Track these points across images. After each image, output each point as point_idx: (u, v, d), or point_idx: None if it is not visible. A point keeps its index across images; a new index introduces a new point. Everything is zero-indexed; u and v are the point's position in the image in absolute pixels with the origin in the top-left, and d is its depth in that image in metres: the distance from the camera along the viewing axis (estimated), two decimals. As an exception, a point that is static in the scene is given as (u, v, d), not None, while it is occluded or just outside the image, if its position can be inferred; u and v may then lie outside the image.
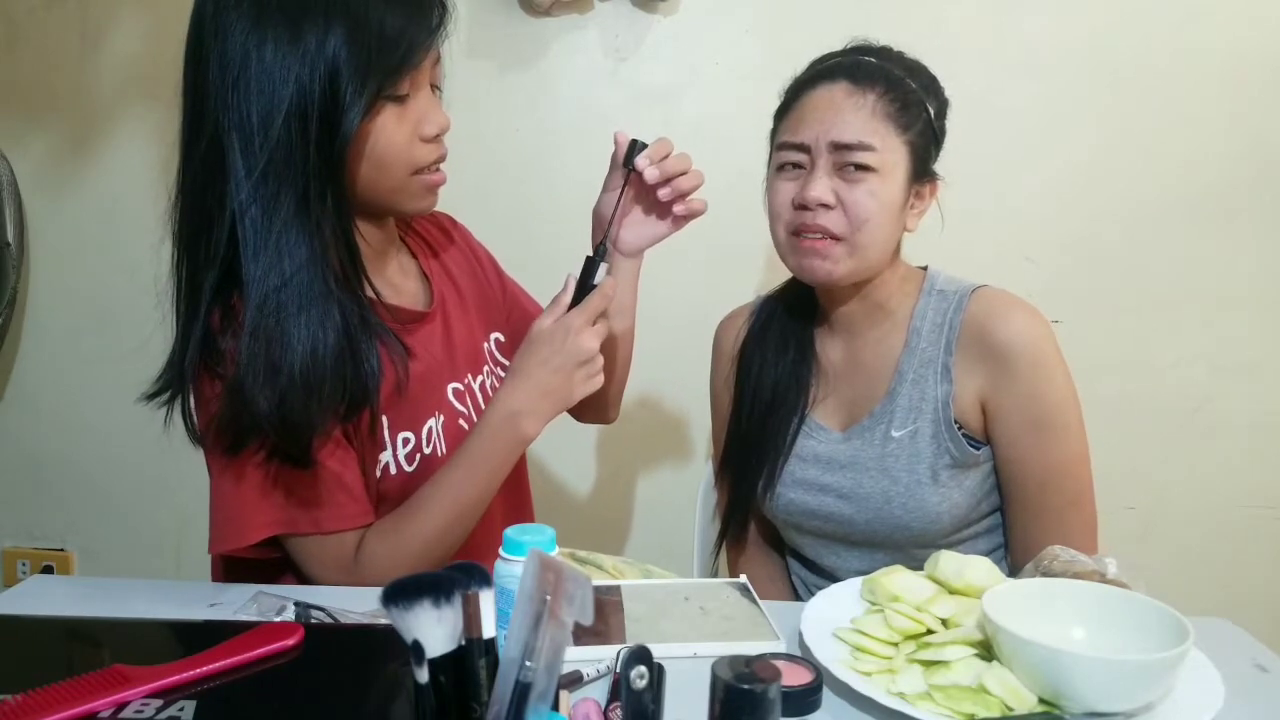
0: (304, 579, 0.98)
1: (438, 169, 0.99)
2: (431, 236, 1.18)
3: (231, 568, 1.02)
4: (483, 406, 1.10)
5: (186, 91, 0.91)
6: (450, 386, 1.08)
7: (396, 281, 1.08)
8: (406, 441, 1.01)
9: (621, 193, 1.05)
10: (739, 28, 1.66)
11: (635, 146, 1.03)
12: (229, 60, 0.87)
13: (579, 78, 1.69)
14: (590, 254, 1.00)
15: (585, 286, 0.99)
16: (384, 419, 0.99)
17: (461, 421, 1.07)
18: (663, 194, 1.04)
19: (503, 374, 1.16)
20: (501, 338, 1.20)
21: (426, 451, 1.03)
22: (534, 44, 1.68)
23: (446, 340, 1.09)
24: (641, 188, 1.06)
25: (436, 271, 1.14)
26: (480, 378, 1.13)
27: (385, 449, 1.00)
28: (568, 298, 0.99)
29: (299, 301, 0.89)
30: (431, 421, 1.04)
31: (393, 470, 1.00)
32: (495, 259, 1.27)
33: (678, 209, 1.06)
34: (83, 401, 1.87)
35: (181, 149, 0.93)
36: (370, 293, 0.98)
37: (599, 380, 1.00)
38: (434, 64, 0.96)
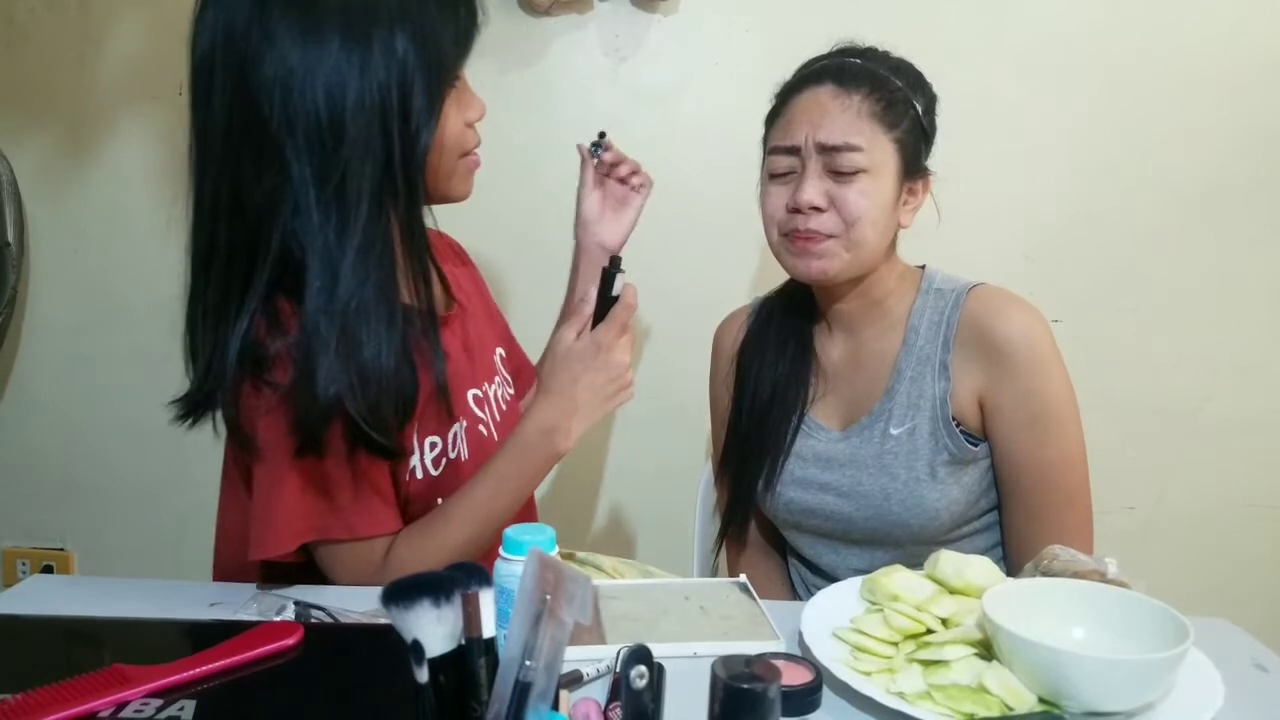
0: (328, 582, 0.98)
1: (476, 151, 1.02)
2: (444, 249, 1.20)
3: (271, 573, 1.00)
4: (496, 415, 1.11)
5: (226, 101, 0.88)
6: (471, 393, 1.08)
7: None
8: (434, 446, 1.01)
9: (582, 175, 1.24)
10: (739, 28, 1.66)
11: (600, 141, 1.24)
12: (285, 64, 0.86)
13: (579, 78, 1.69)
14: (606, 265, 1.01)
15: (605, 299, 0.99)
16: (415, 423, 0.99)
17: (481, 428, 1.08)
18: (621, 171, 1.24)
19: (510, 390, 1.18)
20: (503, 353, 1.21)
21: (451, 456, 1.03)
22: (534, 44, 1.68)
23: (465, 346, 1.10)
24: (605, 182, 1.26)
25: (453, 277, 1.14)
26: (493, 388, 1.13)
27: (414, 452, 0.99)
28: (589, 309, 1.00)
29: (374, 300, 0.89)
30: (456, 427, 1.04)
31: (419, 474, 1.00)
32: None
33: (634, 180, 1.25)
34: (83, 401, 1.87)
35: (214, 160, 0.90)
36: (418, 291, 0.97)
37: (630, 393, 1.01)
38: None
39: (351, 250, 0.88)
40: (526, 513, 1.19)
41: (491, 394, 1.12)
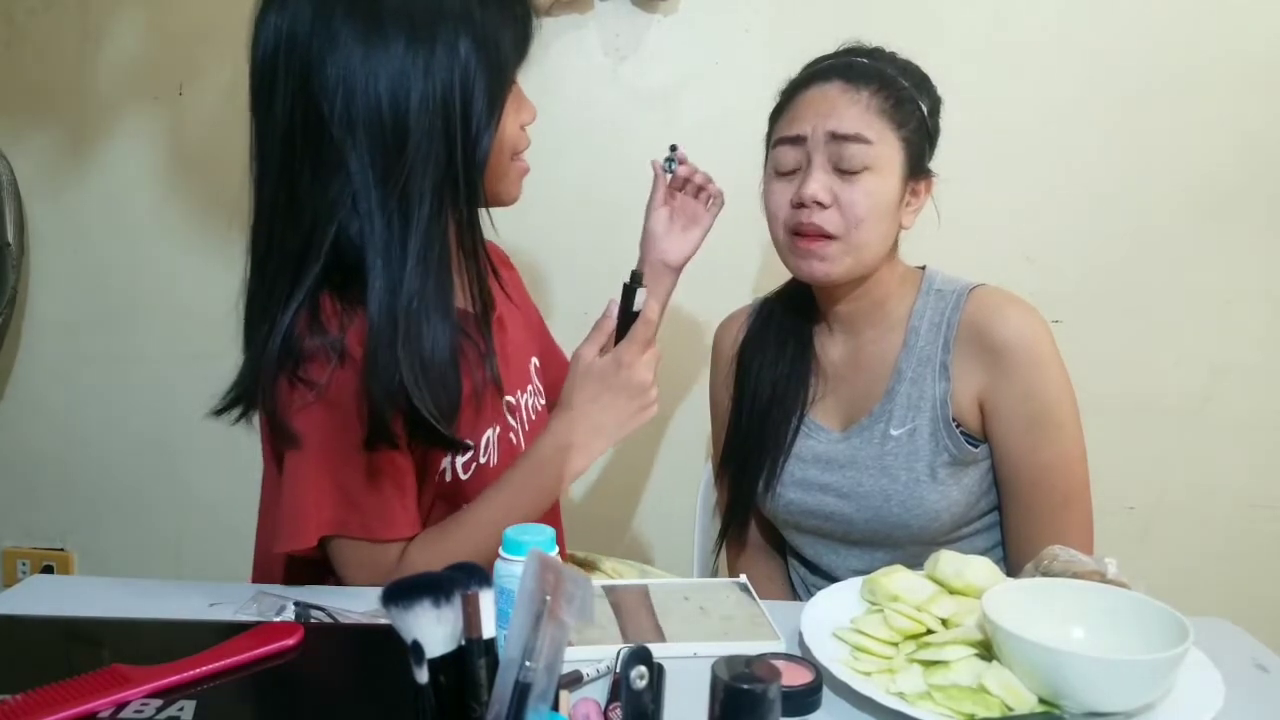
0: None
1: (524, 158, 1.03)
2: (492, 254, 1.20)
3: (300, 570, 1.01)
4: (526, 424, 1.11)
5: (287, 104, 0.89)
6: (505, 399, 1.07)
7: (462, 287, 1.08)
8: (465, 449, 1.01)
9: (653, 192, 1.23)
10: (739, 28, 1.66)
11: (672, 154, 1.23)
12: (348, 66, 0.87)
13: (579, 78, 1.69)
14: (626, 281, 1.00)
15: (626, 314, 0.98)
16: None
17: (511, 435, 1.07)
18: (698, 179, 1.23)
19: (541, 400, 1.17)
20: (538, 363, 1.21)
21: (482, 461, 1.02)
22: (534, 44, 1.68)
23: (504, 350, 1.09)
24: (673, 197, 1.25)
25: (494, 283, 1.14)
26: (525, 396, 1.13)
27: (446, 455, 0.99)
28: (611, 325, 0.99)
29: (434, 299, 0.90)
30: (490, 432, 1.03)
31: (448, 476, 1.00)
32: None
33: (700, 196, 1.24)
34: (82, 401, 1.87)
35: (274, 162, 0.91)
36: (471, 293, 0.98)
37: (653, 411, 1.00)
38: None
39: (413, 251, 0.89)
40: (550, 515, 1.18)
41: (524, 402, 1.12)
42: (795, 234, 1.09)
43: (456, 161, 0.91)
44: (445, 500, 1.01)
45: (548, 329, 1.33)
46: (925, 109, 1.10)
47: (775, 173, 1.12)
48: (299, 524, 0.92)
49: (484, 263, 0.99)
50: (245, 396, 0.93)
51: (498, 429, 1.05)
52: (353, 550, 0.95)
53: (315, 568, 0.98)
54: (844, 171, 1.05)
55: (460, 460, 1.00)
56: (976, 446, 1.10)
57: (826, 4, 1.61)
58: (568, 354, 1.32)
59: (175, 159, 1.77)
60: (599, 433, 0.98)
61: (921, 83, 1.12)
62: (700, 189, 1.25)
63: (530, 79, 1.70)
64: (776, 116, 1.14)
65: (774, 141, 1.13)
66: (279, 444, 0.93)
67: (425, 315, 0.90)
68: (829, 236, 1.06)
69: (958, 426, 1.09)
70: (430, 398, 0.90)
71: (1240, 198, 1.63)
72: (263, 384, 0.90)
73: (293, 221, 0.91)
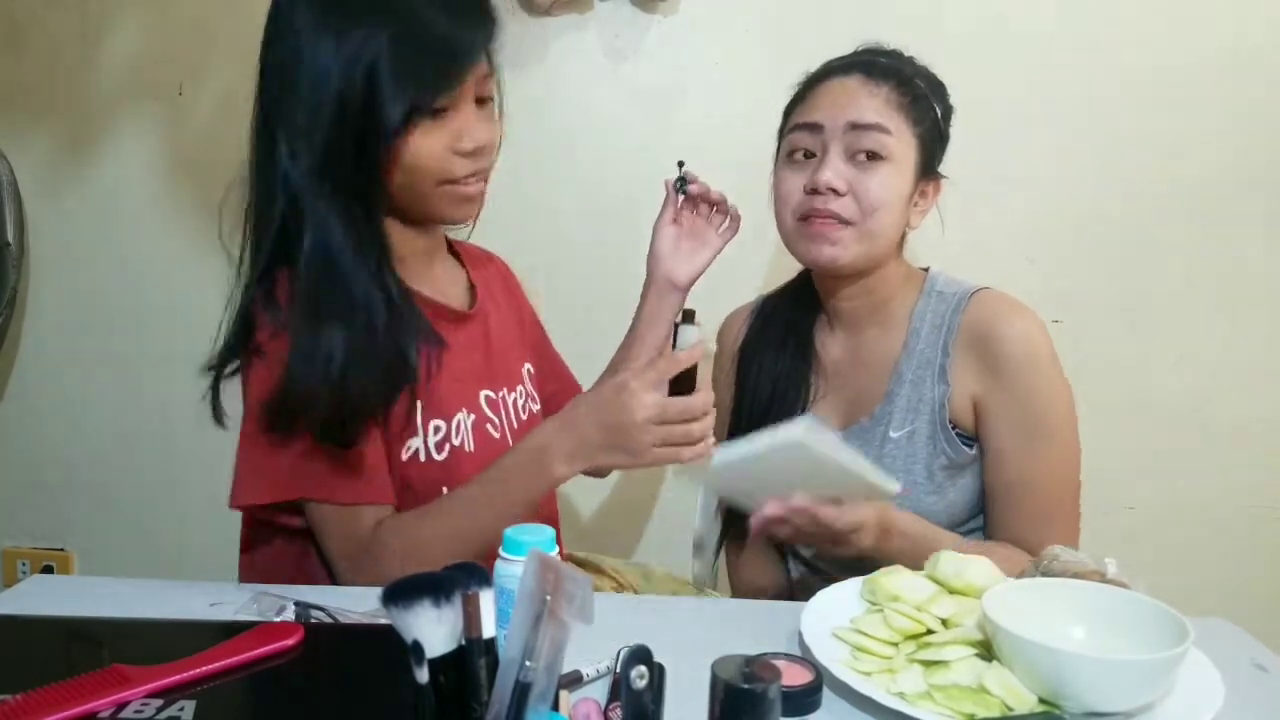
0: (325, 559, 1.00)
1: (471, 181, 1.00)
2: (477, 255, 1.23)
3: (278, 563, 1.03)
4: (513, 422, 1.12)
5: (259, 85, 0.97)
6: (483, 392, 1.09)
7: (442, 284, 1.11)
8: (438, 429, 1.02)
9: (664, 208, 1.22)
10: (738, 28, 1.66)
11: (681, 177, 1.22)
12: (289, 56, 0.93)
13: (579, 78, 1.69)
14: (677, 320, 0.99)
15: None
16: (419, 404, 1.01)
17: (489, 427, 1.08)
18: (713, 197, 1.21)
19: (535, 405, 1.19)
20: (531, 369, 1.22)
21: (455, 443, 1.04)
22: (534, 44, 1.68)
23: (485, 346, 1.11)
24: (685, 217, 1.23)
25: (483, 284, 1.17)
26: (514, 396, 1.14)
27: (417, 434, 1.01)
28: (664, 364, 0.94)
29: (344, 283, 0.94)
30: (460, 416, 1.05)
31: (422, 457, 1.01)
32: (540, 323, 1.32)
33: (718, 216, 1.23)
34: (83, 401, 1.87)
35: (250, 141, 0.99)
36: (386, 285, 1.00)
37: (643, 460, 0.94)
38: (483, 77, 0.98)
39: (334, 238, 0.93)
40: (548, 516, 1.18)
41: (510, 401, 1.13)
42: (805, 220, 1.09)
43: (361, 162, 0.93)
44: (422, 483, 1.01)
45: (548, 338, 1.32)
46: (939, 112, 1.11)
47: (788, 159, 1.12)
48: (256, 480, 0.96)
49: (386, 261, 0.99)
50: (214, 364, 0.98)
51: (472, 416, 1.06)
52: (325, 514, 0.97)
53: (296, 561, 1.00)
54: (861, 160, 1.06)
55: (433, 440, 1.02)
56: (971, 448, 1.10)
57: (826, 5, 1.61)
58: (565, 360, 1.33)
59: (175, 159, 1.77)
60: (582, 447, 0.95)
61: (937, 88, 1.13)
62: (714, 206, 1.23)
63: (530, 79, 1.71)
64: (793, 106, 1.15)
65: (789, 128, 1.13)
66: (248, 412, 0.98)
67: (345, 305, 0.93)
68: (843, 222, 1.06)
69: (954, 429, 1.09)
70: (329, 390, 0.91)
71: (1240, 197, 1.64)
72: (232, 353, 0.97)
73: (257, 193, 0.98)
